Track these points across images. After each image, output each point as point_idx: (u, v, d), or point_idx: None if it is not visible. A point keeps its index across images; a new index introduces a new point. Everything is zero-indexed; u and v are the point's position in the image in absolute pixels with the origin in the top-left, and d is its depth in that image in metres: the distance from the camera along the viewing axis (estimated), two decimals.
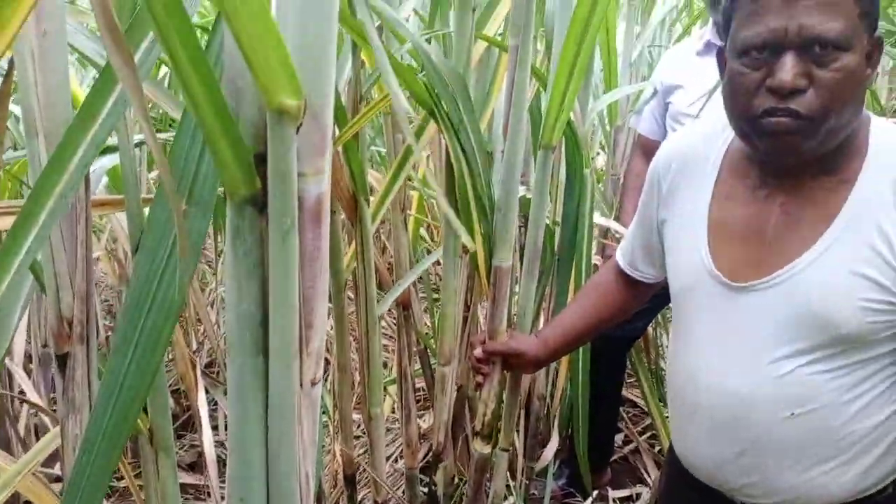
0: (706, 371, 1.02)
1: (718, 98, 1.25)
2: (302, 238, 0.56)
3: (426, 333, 2.45)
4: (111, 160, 1.18)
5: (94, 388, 0.84)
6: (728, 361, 1.00)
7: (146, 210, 0.87)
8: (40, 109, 0.75)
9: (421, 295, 2.90)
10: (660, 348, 2.87)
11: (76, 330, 0.81)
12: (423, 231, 3.22)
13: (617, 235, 2.16)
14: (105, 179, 2.00)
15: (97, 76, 0.76)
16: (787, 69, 0.87)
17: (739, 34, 0.92)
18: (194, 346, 2.99)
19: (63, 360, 0.82)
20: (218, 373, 2.91)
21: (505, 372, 1.40)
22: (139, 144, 1.49)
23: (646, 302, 1.34)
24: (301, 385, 0.60)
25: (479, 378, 1.36)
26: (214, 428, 2.64)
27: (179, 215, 0.59)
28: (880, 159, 0.93)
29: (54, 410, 2.06)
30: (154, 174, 2.58)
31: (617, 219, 2.36)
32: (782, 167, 0.97)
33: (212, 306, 3.09)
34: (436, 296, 3.22)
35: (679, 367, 1.09)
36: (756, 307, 0.97)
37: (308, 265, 0.57)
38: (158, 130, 2.09)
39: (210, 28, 0.77)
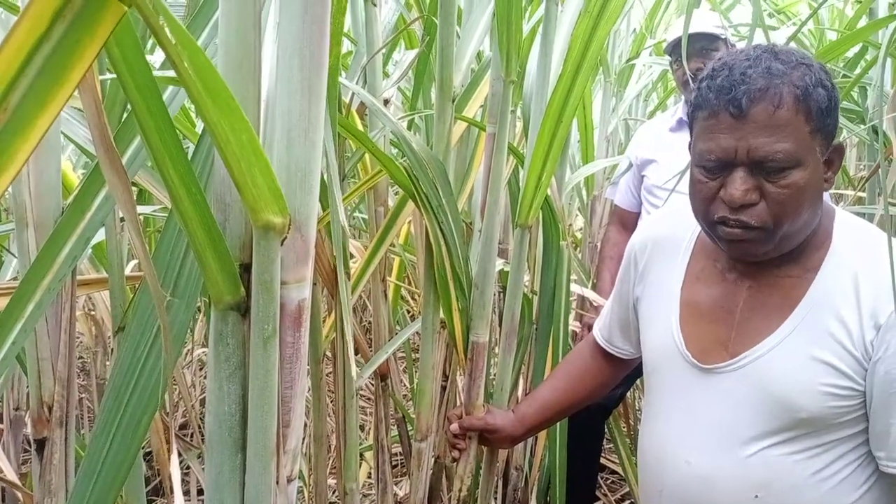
0: (673, 452, 1.05)
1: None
2: (282, 342, 0.59)
3: (404, 396, 2.44)
4: (97, 235, 1.20)
5: (71, 471, 0.85)
6: (694, 442, 1.02)
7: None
8: (31, 201, 0.77)
9: (400, 354, 2.90)
10: (637, 413, 2.88)
11: (56, 414, 0.82)
12: (403, 291, 3.24)
13: (595, 304, 2.20)
14: (89, 251, 2.01)
15: (88, 162, 0.79)
16: (737, 185, 0.91)
17: (697, 146, 0.97)
18: (167, 408, 2.95)
19: (41, 444, 0.83)
20: (192, 435, 2.86)
21: (481, 446, 1.40)
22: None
23: (622, 378, 1.36)
24: (277, 482, 0.62)
25: (455, 453, 1.37)
26: (186, 493, 2.59)
27: (163, 312, 0.61)
28: (843, 253, 0.97)
29: (23, 475, 2.02)
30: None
31: (594, 287, 2.40)
32: None
33: (188, 367, 3.06)
34: (415, 355, 3.21)
35: (648, 446, 1.12)
36: (722, 389, 1.00)
37: (287, 367, 0.60)
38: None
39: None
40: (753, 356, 0.98)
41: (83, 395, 3.06)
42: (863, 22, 2.28)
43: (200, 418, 2.93)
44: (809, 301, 0.97)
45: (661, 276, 1.12)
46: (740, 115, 0.90)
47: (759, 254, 0.96)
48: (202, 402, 3.00)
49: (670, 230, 1.14)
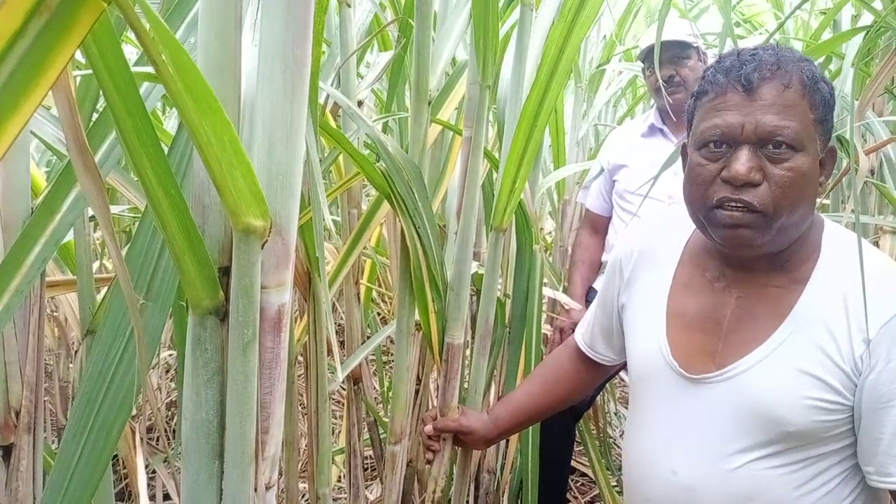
0: (658, 462, 1.03)
1: (664, 179, 1.30)
2: (262, 346, 0.58)
3: (375, 399, 2.43)
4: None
5: (39, 478, 0.82)
6: (680, 452, 1.01)
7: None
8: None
9: (370, 357, 2.88)
10: (607, 415, 2.91)
11: (23, 420, 0.80)
12: (374, 293, 3.22)
13: (567, 307, 2.21)
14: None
15: (56, 161, 0.77)
16: (742, 162, 0.91)
17: (700, 127, 0.96)
18: (133, 412, 2.89)
19: (7, 451, 0.80)
20: (157, 439, 2.82)
21: (455, 448, 1.40)
22: (94, 217, 1.48)
23: (598, 383, 1.36)
24: (255, 489, 0.61)
25: (430, 455, 1.36)
26: (152, 497, 2.54)
27: (137, 315, 0.60)
28: (832, 265, 0.96)
29: None
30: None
31: (565, 290, 2.42)
32: (738, 260, 1.00)
33: (153, 369, 3.00)
34: (385, 358, 3.20)
35: (632, 455, 1.10)
36: (708, 400, 0.99)
37: (266, 372, 0.59)
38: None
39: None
40: (741, 368, 0.97)
41: (45, 399, 2.99)
42: (827, 33, 2.33)
43: (167, 422, 2.87)
44: (798, 314, 0.95)
45: (647, 285, 1.11)
46: (750, 90, 0.91)
47: (754, 244, 0.94)
48: (168, 406, 2.96)
49: (657, 238, 1.13)
